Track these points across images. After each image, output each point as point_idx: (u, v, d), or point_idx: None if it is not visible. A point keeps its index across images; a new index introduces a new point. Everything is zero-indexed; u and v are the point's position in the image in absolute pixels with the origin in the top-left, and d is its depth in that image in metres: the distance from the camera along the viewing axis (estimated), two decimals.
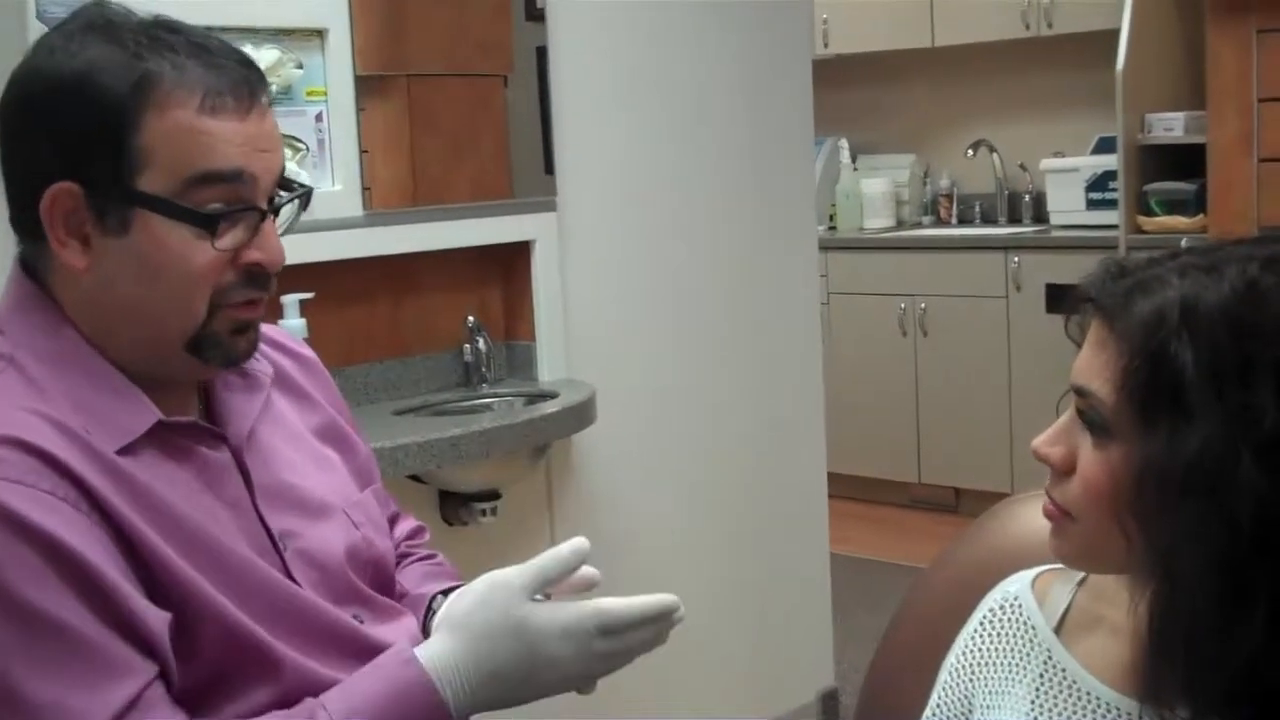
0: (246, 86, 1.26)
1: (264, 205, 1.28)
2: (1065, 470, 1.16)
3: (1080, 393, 1.14)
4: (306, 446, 1.45)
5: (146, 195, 1.23)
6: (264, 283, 1.30)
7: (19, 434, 1.17)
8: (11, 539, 1.13)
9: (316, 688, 1.27)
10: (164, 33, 1.26)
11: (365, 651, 1.34)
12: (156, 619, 1.19)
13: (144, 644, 1.18)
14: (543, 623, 1.26)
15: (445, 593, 1.48)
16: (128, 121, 1.22)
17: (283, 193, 1.32)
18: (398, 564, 1.54)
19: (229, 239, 1.26)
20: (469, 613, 1.28)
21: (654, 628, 1.32)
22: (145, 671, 1.18)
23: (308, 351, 1.56)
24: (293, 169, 2.54)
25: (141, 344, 1.28)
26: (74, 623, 1.14)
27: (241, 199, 1.26)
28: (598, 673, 1.31)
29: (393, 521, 1.60)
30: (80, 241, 1.25)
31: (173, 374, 1.31)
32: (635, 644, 1.31)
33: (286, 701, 1.26)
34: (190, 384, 1.35)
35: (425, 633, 1.44)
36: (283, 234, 1.33)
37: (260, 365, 1.42)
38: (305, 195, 1.36)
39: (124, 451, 1.24)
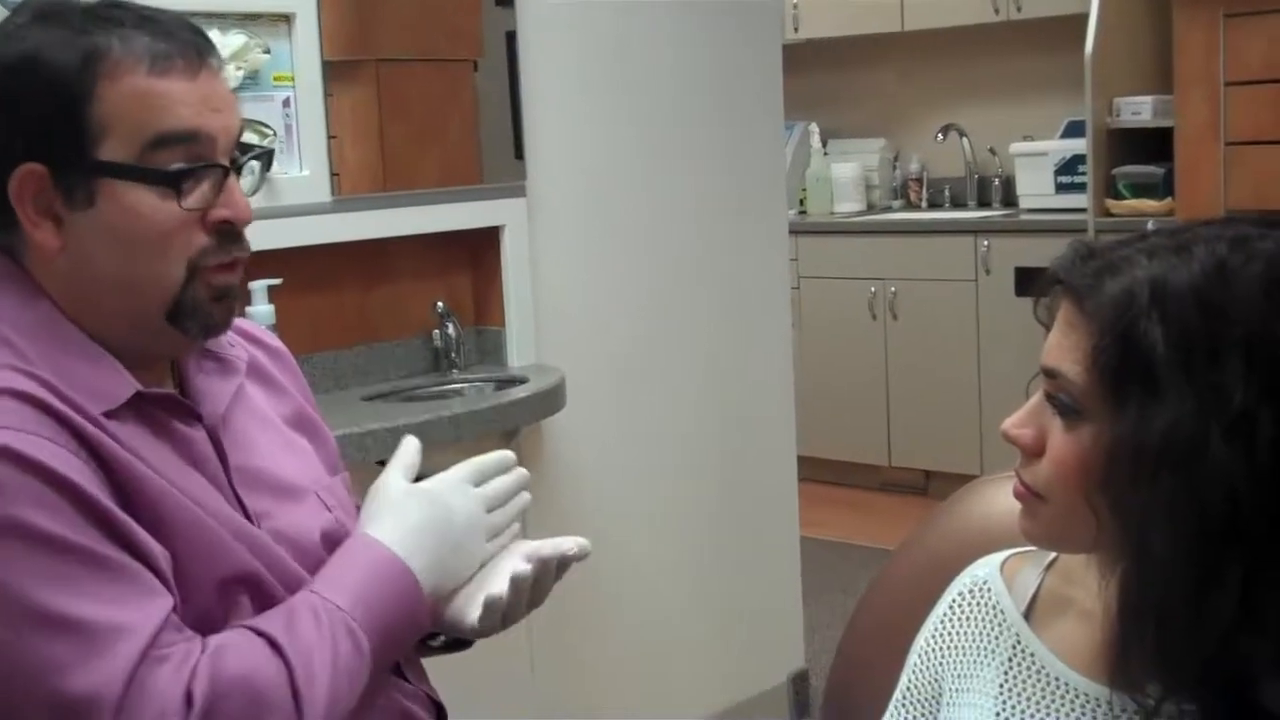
0: (194, 48, 1.29)
1: (224, 162, 1.30)
2: (1035, 452, 1.17)
3: (1050, 374, 1.15)
4: (278, 432, 1.47)
5: (108, 164, 1.25)
6: (237, 240, 1.32)
7: (16, 386, 1.20)
8: (27, 478, 1.15)
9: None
10: (109, 9, 1.29)
11: None
12: (161, 554, 1.22)
13: (159, 574, 1.21)
14: (430, 485, 1.41)
15: None
16: (81, 94, 1.24)
17: (242, 155, 1.34)
18: None
19: (195, 198, 1.27)
20: (373, 511, 1.40)
21: (511, 476, 1.47)
22: (167, 595, 1.21)
23: (278, 344, 1.58)
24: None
25: (122, 317, 1.29)
26: (101, 550, 1.17)
27: (201, 156, 1.27)
28: (488, 523, 1.42)
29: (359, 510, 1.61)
30: (52, 221, 1.27)
31: (152, 349, 1.33)
32: (505, 487, 1.45)
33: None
34: (166, 363, 1.36)
35: None
36: (250, 194, 1.34)
37: (236, 351, 1.44)
38: (266, 155, 1.40)
39: (106, 416, 1.25)
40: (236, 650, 1.20)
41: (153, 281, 1.28)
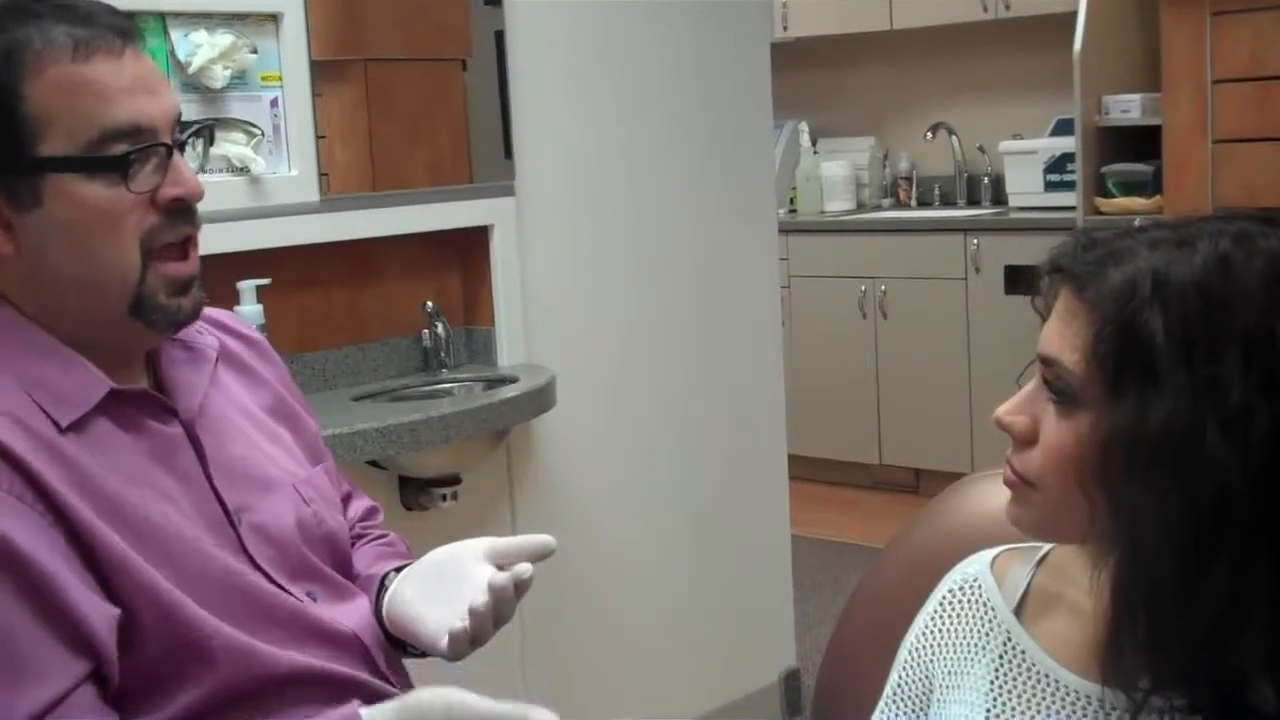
0: (114, 31, 1.27)
1: (168, 141, 1.28)
2: (1028, 440, 1.17)
3: (1047, 362, 1.15)
4: (255, 421, 1.45)
5: (50, 159, 1.23)
6: (188, 217, 1.31)
7: None
8: None
9: (256, 670, 1.27)
10: (25, 2, 1.27)
11: (313, 632, 1.34)
12: (99, 615, 1.18)
13: (82, 641, 1.17)
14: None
15: (398, 570, 1.49)
16: (9, 92, 1.23)
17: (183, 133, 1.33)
18: (352, 544, 1.54)
19: (141, 181, 1.26)
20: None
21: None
22: (73, 672, 1.17)
23: (255, 334, 1.56)
24: (248, 154, 2.52)
25: (86, 315, 1.28)
26: (2, 622, 1.14)
27: (144, 141, 1.26)
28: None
29: (346, 501, 1.60)
30: (3, 227, 1.26)
31: (122, 344, 1.32)
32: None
33: (225, 690, 1.25)
34: (138, 357, 1.35)
35: (377, 612, 1.45)
36: (197, 172, 1.33)
37: (205, 339, 1.43)
38: (208, 129, 1.39)
39: (75, 426, 1.23)
40: None
41: (110, 272, 1.27)
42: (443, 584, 1.39)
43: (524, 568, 1.35)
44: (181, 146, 1.31)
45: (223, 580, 1.29)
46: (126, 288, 1.27)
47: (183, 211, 1.30)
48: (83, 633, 1.17)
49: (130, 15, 1.33)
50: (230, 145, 2.51)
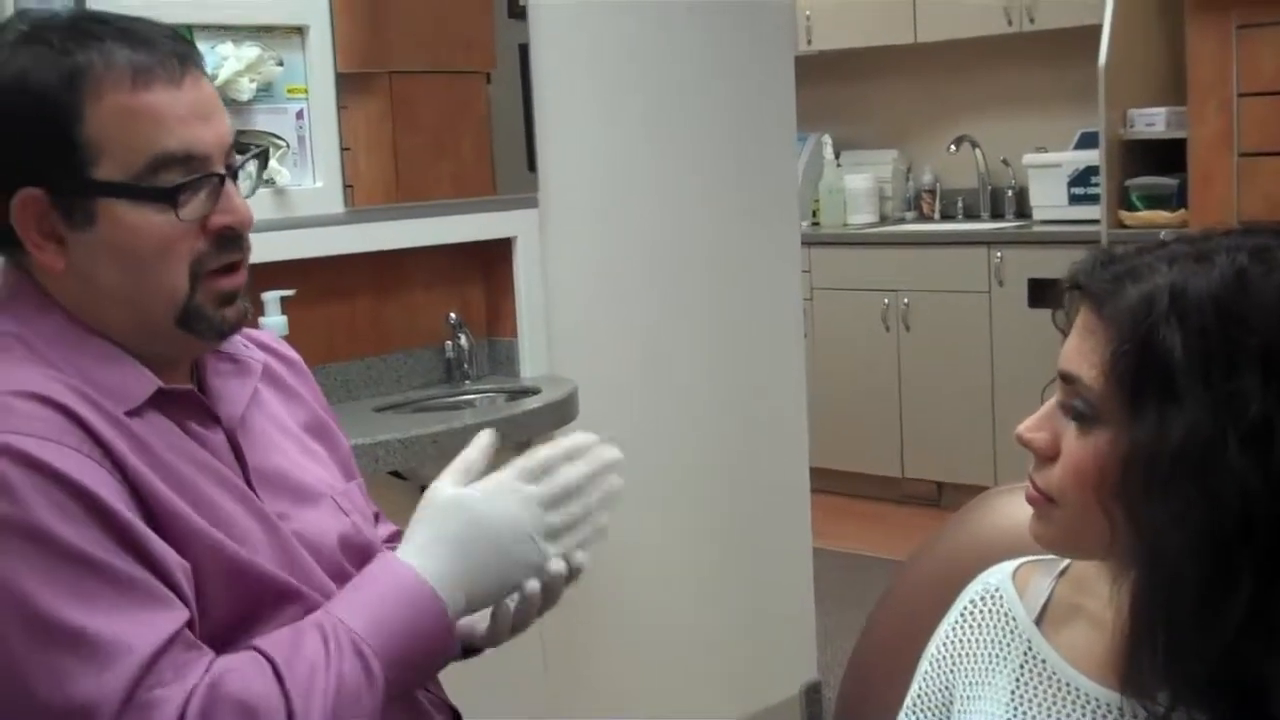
0: (175, 58, 1.29)
1: (220, 170, 1.30)
2: (1049, 456, 1.17)
3: (1067, 379, 1.15)
4: (294, 438, 1.47)
5: (104, 183, 1.25)
6: (237, 244, 1.33)
7: (41, 390, 1.21)
8: (49, 486, 1.16)
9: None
10: (89, 24, 1.29)
11: None
12: (178, 565, 1.22)
13: (174, 587, 1.21)
14: (472, 491, 1.34)
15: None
16: (69, 116, 1.24)
17: (239, 156, 1.35)
18: None
19: (191, 209, 1.28)
20: (415, 520, 1.34)
21: (581, 463, 1.37)
22: (183, 609, 1.20)
23: (292, 352, 1.58)
24: (273, 166, 2.54)
25: (134, 327, 1.31)
26: (116, 562, 1.17)
27: (197, 170, 1.28)
28: (547, 523, 1.34)
29: (375, 519, 1.61)
30: (55, 243, 1.28)
31: (168, 353, 1.34)
32: (569, 480, 1.36)
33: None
34: (184, 363, 1.37)
35: None
36: (249, 195, 1.35)
37: (251, 352, 1.46)
38: (262, 155, 1.40)
39: (130, 415, 1.26)
40: (238, 674, 1.19)
41: (157, 293, 1.29)
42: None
43: (583, 560, 1.35)
44: (235, 174, 1.33)
45: (287, 556, 1.32)
46: (173, 305, 1.30)
47: (232, 239, 1.32)
48: (173, 581, 1.21)
49: (190, 40, 1.34)
50: None
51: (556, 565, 1.33)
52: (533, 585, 1.34)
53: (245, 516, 1.31)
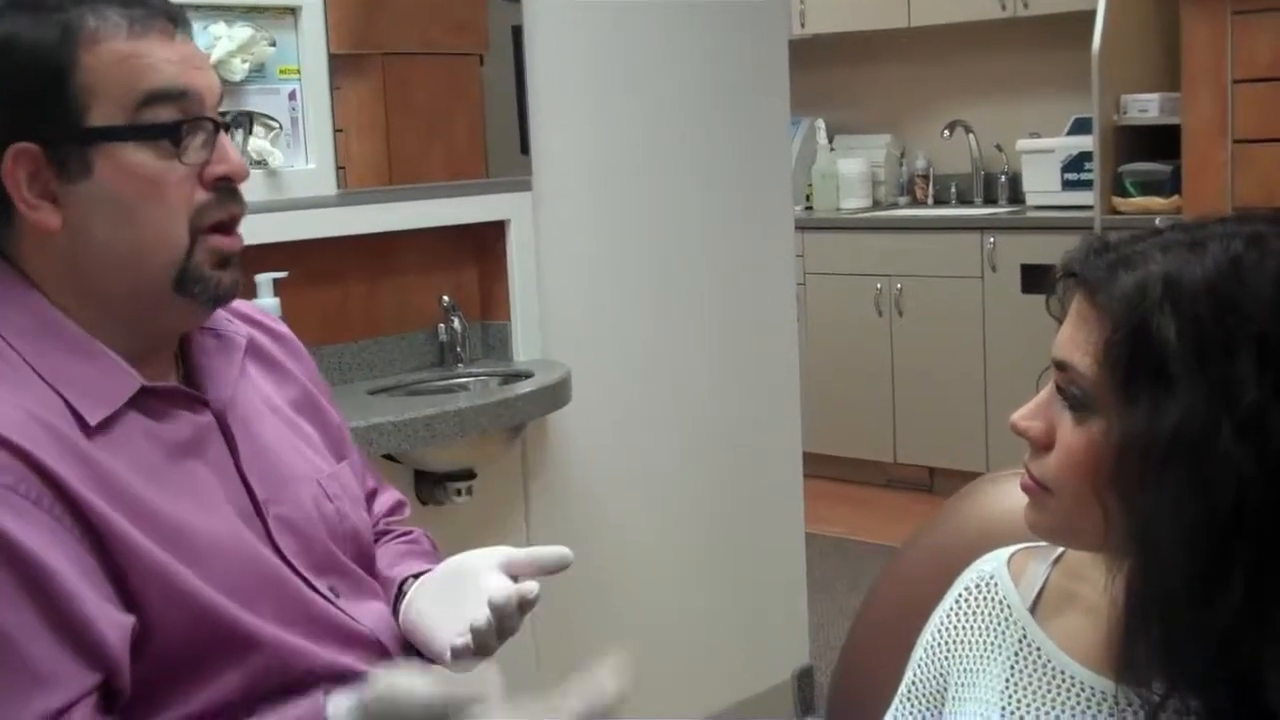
0: (166, 15, 1.29)
1: (215, 117, 1.30)
2: (1044, 445, 1.16)
3: (1061, 366, 1.15)
4: (281, 416, 1.46)
5: (100, 129, 1.25)
6: (235, 196, 1.32)
7: None
8: None
9: (292, 662, 1.27)
10: None
11: (338, 632, 1.34)
12: (113, 625, 1.18)
13: (92, 652, 1.17)
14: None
15: (416, 576, 1.48)
16: (63, 65, 1.24)
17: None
18: (376, 540, 1.54)
19: (191, 153, 1.28)
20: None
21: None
22: (79, 684, 1.16)
23: (282, 327, 1.56)
24: (266, 147, 2.53)
25: (127, 296, 1.28)
26: (11, 630, 1.13)
27: (191, 112, 1.28)
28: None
29: (372, 495, 1.60)
30: (49, 200, 1.26)
31: (158, 326, 1.32)
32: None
33: (263, 679, 1.26)
34: (171, 345, 1.35)
35: (395, 614, 1.45)
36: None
37: (233, 327, 1.44)
38: (247, 118, 1.40)
39: (106, 422, 1.24)
40: None
41: (157, 244, 1.27)
42: (452, 597, 1.39)
43: (530, 586, 1.34)
44: (228, 127, 1.33)
45: (253, 575, 1.29)
46: (173, 261, 1.28)
47: (228, 190, 1.31)
48: (92, 642, 1.16)
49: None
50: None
51: (479, 616, 1.32)
52: (481, 618, 1.32)
53: (216, 535, 1.27)
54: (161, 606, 1.21)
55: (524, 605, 1.34)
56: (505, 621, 1.34)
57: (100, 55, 1.24)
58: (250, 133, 1.41)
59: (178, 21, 1.30)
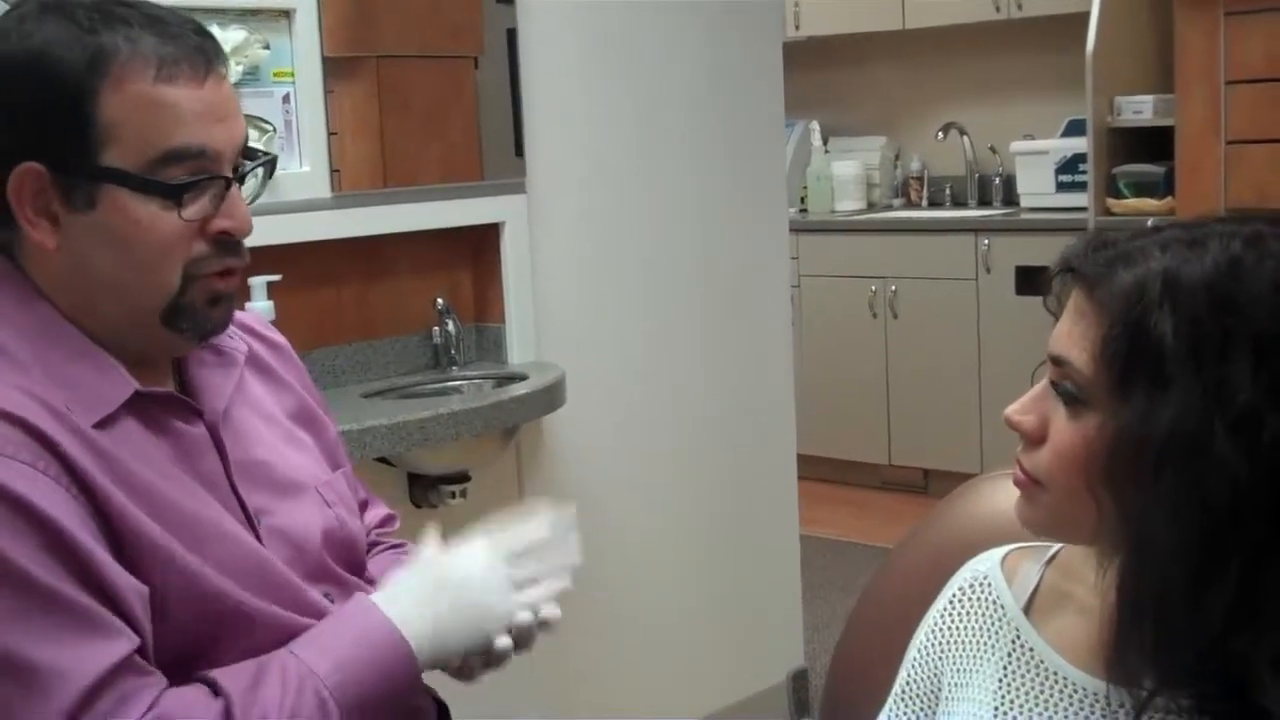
0: (202, 55, 1.27)
1: (228, 174, 1.28)
2: (1037, 439, 1.17)
3: (1057, 361, 1.15)
4: (279, 427, 1.46)
5: (112, 170, 1.23)
6: (235, 250, 1.31)
7: (7, 407, 1.18)
8: (4, 510, 1.14)
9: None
10: (117, 7, 1.26)
11: None
12: (132, 590, 1.19)
13: (123, 614, 1.19)
14: (452, 555, 1.37)
15: None
16: (86, 97, 1.22)
17: (247, 161, 1.33)
18: (368, 551, 1.54)
19: (195, 209, 1.26)
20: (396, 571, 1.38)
21: (542, 521, 1.42)
22: (131, 638, 1.18)
23: (280, 338, 1.57)
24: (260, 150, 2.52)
25: (117, 318, 1.29)
26: (65, 590, 1.15)
27: (206, 170, 1.26)
28: (514, 576, 1.38)
29: (363, 507, 1.60)
30: (49, 221, 1.26)
31: (149, 348, 1.32)
32: (532, 537, 1.41)
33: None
34: (165, 360, 1.36)
35: None
36: (249, 203, 1.33)
37: (234, 342, 1.44)
38: (269, 163, 1.38)
39: (102, 424, 1.24)
40: (185, 705, 1.18)
41: (147, 285, 1.27)
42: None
43: (553, 613, 1.38)
44: (242, 179, 1.31)
45: (257, 566, 1.30)
46: (161, 299, 1.28)
47: (229, 244, 1.30)
48: (123, 605, 1.18)
49: (213, 36, 1.32)
50: None
51: (523, 617, 1.36)
52: (503, 642, 1.35)
53: (219, 524, 1.28)
54: (165, 588, 1.22)
55: (545, 626, 1.39)
56: (523, 643, 1.38)
57: (125, 95, 1.22)
58: (272, 174, 1.38)
59: (209, 59, 1.27)
